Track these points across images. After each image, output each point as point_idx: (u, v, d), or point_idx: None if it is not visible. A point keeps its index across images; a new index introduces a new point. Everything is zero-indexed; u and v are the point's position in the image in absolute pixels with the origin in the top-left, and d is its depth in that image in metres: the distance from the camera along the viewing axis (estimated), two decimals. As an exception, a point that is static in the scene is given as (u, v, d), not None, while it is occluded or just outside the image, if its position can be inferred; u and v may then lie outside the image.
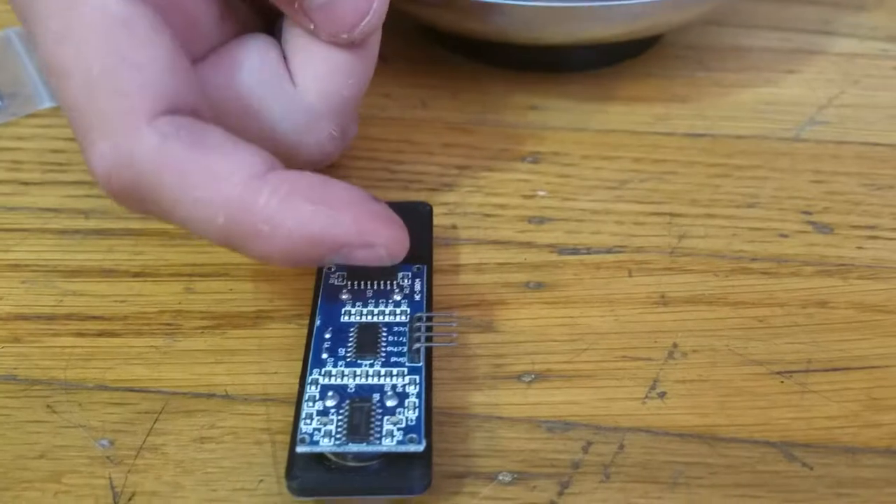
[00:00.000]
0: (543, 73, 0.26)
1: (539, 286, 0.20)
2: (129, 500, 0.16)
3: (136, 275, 0.20)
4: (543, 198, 0.22)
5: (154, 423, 0.17)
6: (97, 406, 0.17)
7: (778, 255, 0.20)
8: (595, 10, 0.23)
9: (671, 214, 0.21)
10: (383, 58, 0.26)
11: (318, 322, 0.17)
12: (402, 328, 0.17)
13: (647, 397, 0.17)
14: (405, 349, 0.17)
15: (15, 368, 0.18)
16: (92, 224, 0.21)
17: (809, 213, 0.21)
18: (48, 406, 0.17)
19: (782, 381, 0.17)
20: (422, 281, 0.18)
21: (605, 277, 0.20)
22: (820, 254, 0.20)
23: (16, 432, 0.17)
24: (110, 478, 0.16)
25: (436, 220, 0.21)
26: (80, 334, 0.19)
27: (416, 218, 0.20)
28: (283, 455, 0.16)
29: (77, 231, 0.21)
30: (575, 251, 0.21)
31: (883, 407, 0.17)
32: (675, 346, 0.18)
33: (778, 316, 0.19)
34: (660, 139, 0.24)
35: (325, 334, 0.17)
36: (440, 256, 0.20)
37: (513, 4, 0.23)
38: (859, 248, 0.20)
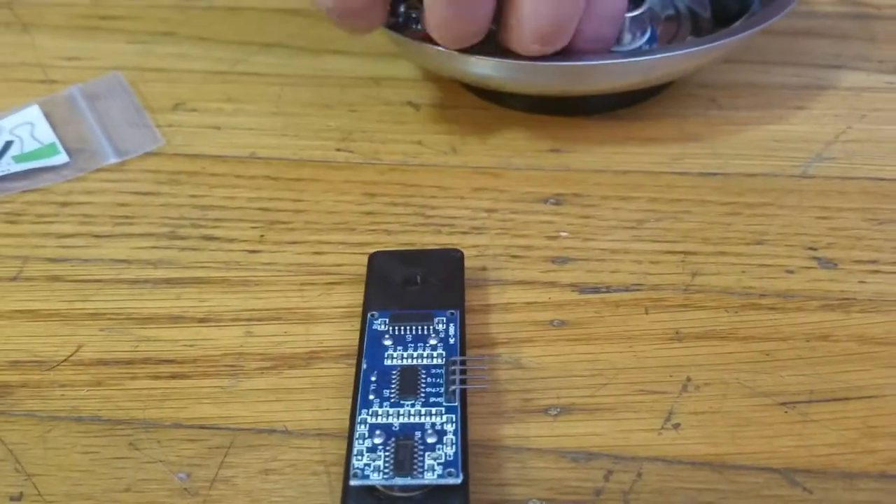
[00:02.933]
0: (565, 116, 0.28)
1: (562, 324, 0.22)
2: None
3: (202, 320, 0.22)
4: (566, 238, 0.24)
5: (224, 457, 0.19)
6: (173, 442, 0.20)
7: (784, 291, 0.22)
8: (611, 67, 0.25)
9: (685, 253, 0.23)
10: (415, 105, 0.29)
11: (364, 365, 0.19)
12: (439, 370, 0.19)
13: (662, 428, 0.19)
14: (442, 390, 0.19)
15: (99, 410, 0.21)
16: (160, 274, 0.24)
17: (815, 249, 0.23)
18: (131, 444, 0.20)
19: (786, 412, 0.19)
20: (455, 325, 0.20)
21: (624, 315, 0.22)
22: (824, 289, 0.22)
23: (104, 468, 0.19)
24: None
25: (467, 263, 0.23)
26: (155, 377, 0.21)
27: (449, 264, 0.22)
28: (338, 485, 0.18)
29: (147, 280, 0.24)
30: (596, 290, 0.22)
31: (879, 434, 0.19)
32: (688, 379, 0.20)
33: (783, 349, 0.20)
34: (675, 179, 0.26)
35: (371, 377, 0.19)
36: (472, 297, 0.22)
37: (534, 64, 0.25)
38: (861, 282, 0.22)
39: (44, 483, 0.19)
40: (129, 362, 0.21)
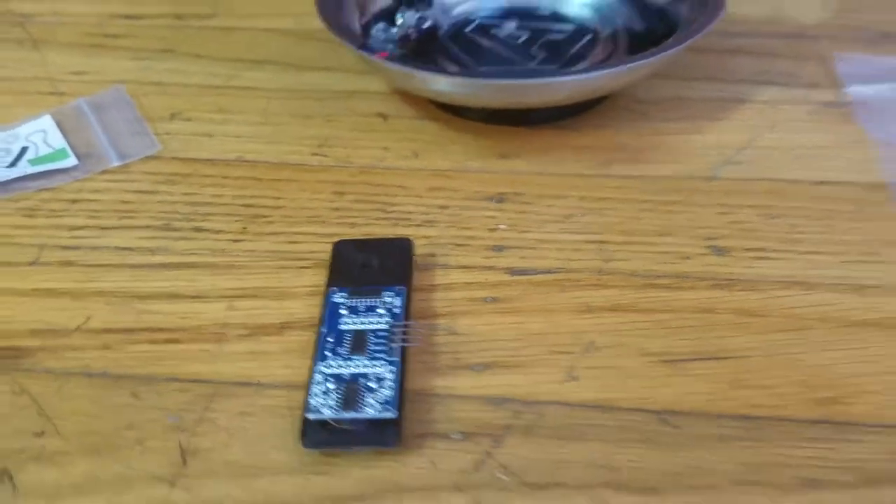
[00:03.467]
0: (514, 126, 0.34)
1: (494, 300, 0.27)
2: (193, 455, 0.24)
3: (193, 297, 0.28)
4: (504, 230, 0.30)
5: (209, 402, 0.25)
6: (168, 393, 0.26)
7: (681, 273, 0.28)
8: (547, 85, 0.31)
9: (602, 242, 0.29)
10: (383, 116, 0.35)
11: (324, 330, 0.25)
12: (384, 333, 0.25)
13: (565, 380, 0.25)
14: (385, 348, 0.25)
15: (106, 367, 0.26)
16: (157, 259, 0.30)
17: (712, 239, 0.29)
18: (132, 394, 0.26)
19: (669, 368, 0.25)
20: (401, 299, 0.26)
21: (545, 293, 0.27)
22: (714, 272, 0.28)
23: (110, 413, 0.25)
24: (179, 441, 0.24)
25: (418, 250, 0.29)
26: (152, 342, 0.27)
27: (401, 251, 0.28)
28: (299, 423, 0.24)
29: (146, 265, 0.30)
30: (524, 273, 0.28)
31: (742, 386, 0.24)
32: (592, 342, 0.26)
33: (674, 320, 0.26)
34: (602, 181, 0.31)
35: (328, 338, 0.25)
36: (420, 278, 0.28)
37: (481, 82, 0.31)
38: (747, 267, 0.28)
39: (61, 424, 0.25)
40: (132, 330, 0.27)
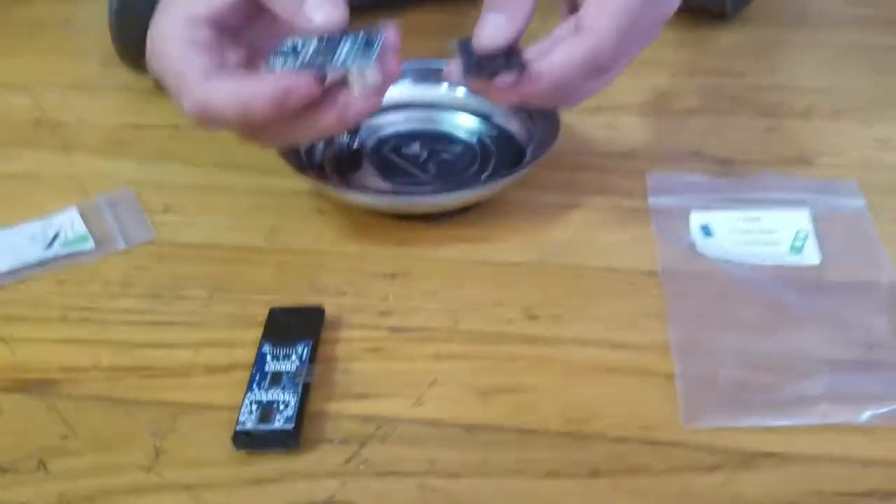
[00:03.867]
0: (416, 222, 0.47)
1: (376, 350, 0.40)
2: (163, 452, 0.36)
3: (170, 345, 0.40)
4: (391, 300, 0.42)
5: (176, 418, 0.37)
6: (150, 411, 0.38)
7: (504, 332, 0.40)
8: (428, 200, 0.43)
9: (455, 310, 0.41)
10: (321, 212, 0.47)
11: (254, 371, 0.37)
12: (292, 373, 0.37)
13: (413, 405, 0.37)
14: (293, 383, 0.36)
15: (110, 394, 0.39)
16: (148, 318, 0.42)
17: (529, 308, 0.41)
18: (126, 412, 0.38)
19: (482, 397, 0.37)
20: (308, 349, 0.38)
21: (411, 345, 0.40)
22: (525, 332, 0.40)
23: (111, 424, 0.37)
24: (154, 443, 0.36)
25: (331, 313, 0.41)
26: (141, 377, 0.39)
27: (314, 315, 0.40)
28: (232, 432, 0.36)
29: (140, 322, 0.42)
30: (400, 331, 0.40)
31: (524, 409, 0.36)
32: (435, 379, 0.38)
33: (492, 364, 0.39)
34: (465, 264, 0.44)
35: (255, 376, 0.37)
36: (329, 334, 0.41)
37: (372, 197, 0.44)
38: (547, 328, 0.40)
39: (78, 430, 0.37)
40: (127, 368, 0.40)
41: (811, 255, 0.42)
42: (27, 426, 0.37)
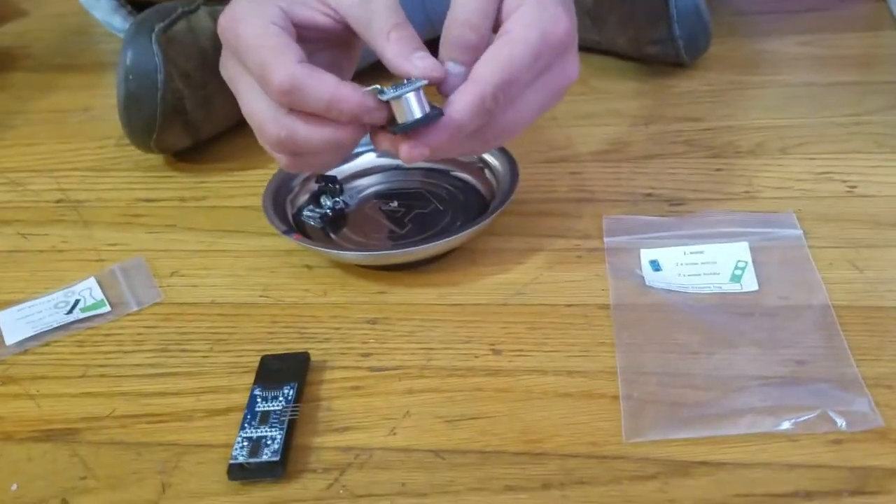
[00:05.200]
0: (395, 271, 0.51)
1: (357, 388, 0.44)
2: (169, 486, 0.40)
3: (175, 394, 0.45)
4: (372, 343, 0.46)
5: (181, 457, 0.41)
6: (157, 452, 0.42)
7: (470, 366, 0.44)
8: (404, 253, 0.48)
9: (429, 349, 0.45)
10: (309, 267, 0.52)
11: (246, 411, 0.42)
12: (278, 411, 0.41)
13: (388, 435, 0.41)
14: (279, 420, 0.41)
15: (123, 438, 0.43)
16: (156, 371, 0.47)
17: (494, 344, 0.45)
18: (137, 453, 0.42)
19: (449, 425, 0.41)
20: (293, 390, 0.42)
21: (388, 383, 0.44)
22: (490, 365, 0.44)
23: (124, 464, 0.42)
24: (161, 479, 0.40)
25: (316, 358, 0.46)
26: (150, 423, 0.44)
27: (301, 360, 0.45)
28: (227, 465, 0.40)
29: (150, 374, 0.47)
30: (378, 370, 0.45)
31: (486, 433, 0.40)
32: (408, 412, 0.42)
33: (459, 395, 0.43)
34: (439, 307, 0.49)
35: (247, 416, 0.42)
36: (314, 376, 0.45)
37: (354, 254, 0.49)
38: (509, 361, 0.44)
39: (96, 471, 0.41)
40: (139, 416, 0.45)
41: (750, 283, 0.46)
42: (52, 470, 0.42)
